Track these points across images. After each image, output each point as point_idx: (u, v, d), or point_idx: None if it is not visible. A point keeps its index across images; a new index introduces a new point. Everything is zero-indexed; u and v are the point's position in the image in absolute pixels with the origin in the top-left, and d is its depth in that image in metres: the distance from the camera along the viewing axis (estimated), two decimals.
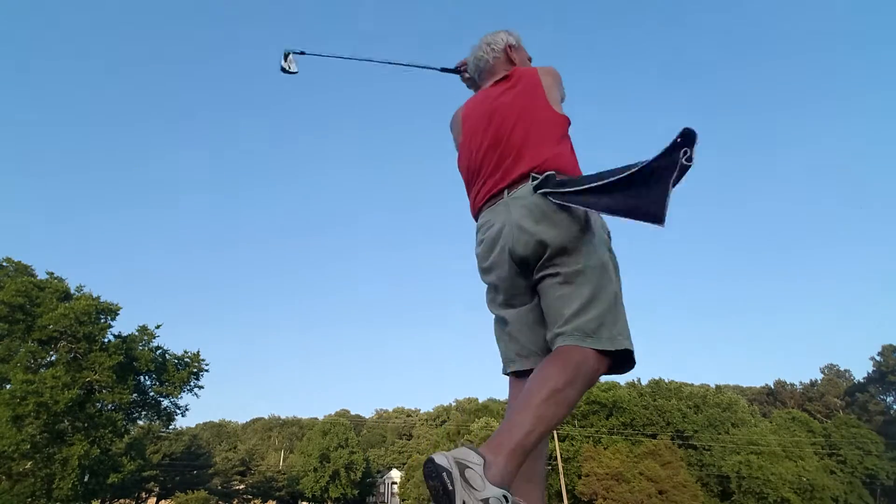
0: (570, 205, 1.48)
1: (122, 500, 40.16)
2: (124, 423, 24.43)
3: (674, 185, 1.30)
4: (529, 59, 2.09)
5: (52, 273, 23.90)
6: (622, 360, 1.47)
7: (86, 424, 21.96)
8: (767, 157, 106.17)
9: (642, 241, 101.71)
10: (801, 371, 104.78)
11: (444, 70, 2.28)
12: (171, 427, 34.63)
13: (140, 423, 28.95)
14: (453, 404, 67.29)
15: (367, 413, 79.46)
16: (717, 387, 47.57)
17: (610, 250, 1.58)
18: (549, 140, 1.66)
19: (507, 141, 1.69)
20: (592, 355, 1.40)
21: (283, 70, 2.31)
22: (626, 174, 1.38)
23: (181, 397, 26.63)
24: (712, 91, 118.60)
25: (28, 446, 19.59)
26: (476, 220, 1.77)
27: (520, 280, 1.61)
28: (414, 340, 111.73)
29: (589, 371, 1.39)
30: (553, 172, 1.56)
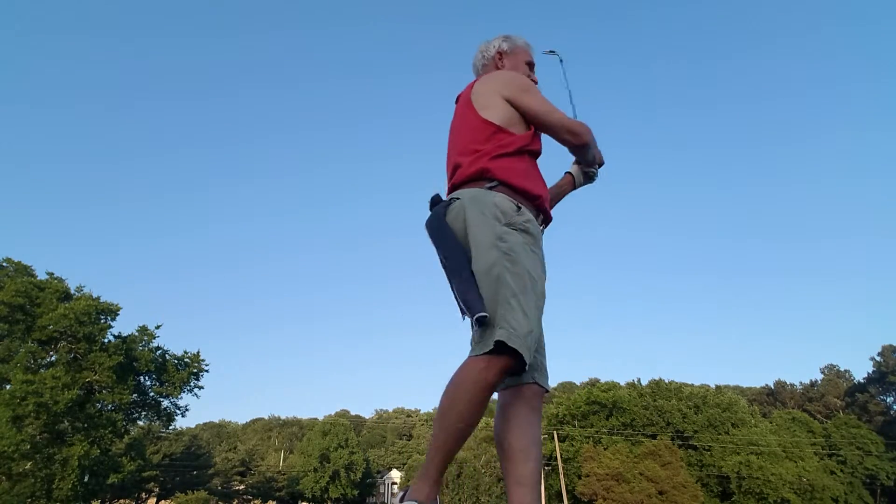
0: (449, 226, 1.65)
1: (121, 501, 40.18)
2: (124, 423, 24.42)
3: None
4: (530, 65, 2.07)
5: (52, 273, 23.92)
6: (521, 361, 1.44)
7: (86, 425, 21.96)
8: (767, 156, 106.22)
9: (642, 240, 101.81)
10: (801, 371, 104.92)
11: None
12: (170, 427, 34.66)
13: (140, 423, 28.95)
14: None
15: (367, 413, 79.57)
16: (717, 387, 47.56)
17: (505, 251, 1.53)
18: (468, 150, 1.74)
19: (448, 153, 1.87)
20: (473, 363, 1.44)
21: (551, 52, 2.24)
22: (461, 270, 1.54)
23: (181, 398, 26.65)
24: (711, 88, 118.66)
25: (28, 446, 19.59)
26: None
27: None
28: (414, 340, 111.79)
29: (471, 380, 1.41)
30: (436, 195, 1.76)
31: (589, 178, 2.10)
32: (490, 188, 1.65)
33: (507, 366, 1.43)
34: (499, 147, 1.71)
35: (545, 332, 1.72)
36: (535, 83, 2.00)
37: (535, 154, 1.83)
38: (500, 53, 2.05)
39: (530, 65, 2.07)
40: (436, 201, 1.75)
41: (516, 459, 1.52)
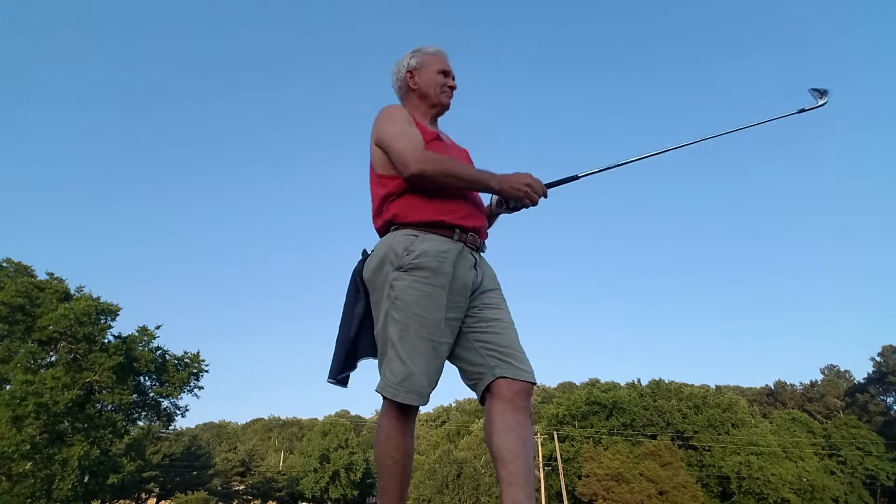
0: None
1: (121, 501, 40.13)
2: (124, 423, 24.40)
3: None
4: (444, 73, 2.02)
5: (52, 273, 23.89)
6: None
7: (86, 425, 21.95)
8: (766, 156, 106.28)
9: (642, 240, 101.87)
10: (802, 371, 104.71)
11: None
12: (170, 428, 34.62)
13: (140, 423, 28.92)
14: (453, 405, 67.24)
15: (368, 413, 79.47)
16: (718, 387, 47.60)
17: (392, 299, 1.67)
18: (373, 204, 1.89)
19: None
20: (384, 404, 1.68)
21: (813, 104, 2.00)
22: (340, 330, 1.81)
23: (181, 398, 26.57)
24: (709, 87, 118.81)
25: (28, 447, 19.57)
26: None
27: None
28: None
29: (379, 425, 1.69)
30: (364, 250, 1.89)
31: (506, 205, 1.99)
32: (394, 230, 1.78)
33: (398, 409, 1.65)
34: (389, 192, 1.80)
35: (520, 325, 1.82)
36: (453, 87, 2.04)
37: (431, 192, 1.80)
38: (410, 72, 2.03)
39: (445, 73, 2.03)
40: (364, 257, 1.88)
41: (503, 459, 1.56)
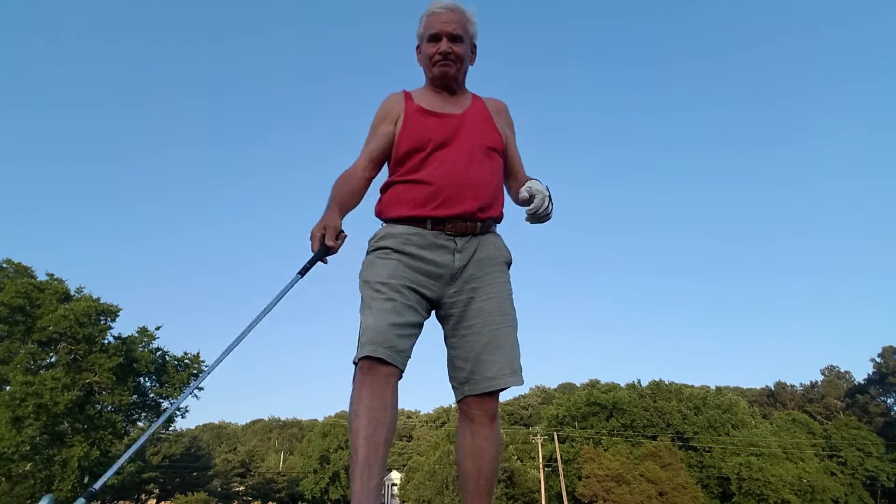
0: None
1: (121, 502, 40.12)
2: (124, 424, 24.40)
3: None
4: (434, 38, 1.83)
5: (52, 274, 23.88)
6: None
7: (85, 426, 21.94)
8: (765, 155, 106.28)
9: (642, 241, 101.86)
10: (802, 372, 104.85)
11: None
12: (170, 428, 34.62)
13: (140, 424, 28.91)
14: (453, 406, 67.14)
15: None
16: (718, 388, 47.54)
17: (364, 279, 1.70)
18: None
19: None
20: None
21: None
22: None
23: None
24: (711, 90, 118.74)
25: (28, 448, 19.56)
26: None
27: None
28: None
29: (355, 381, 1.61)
30: None
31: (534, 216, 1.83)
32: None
33: (362, 367, 1.55)
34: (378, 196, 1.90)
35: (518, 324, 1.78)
36: (443, 53, 1.81)
37: (409, 179, 1.78)
38: (418, 47, 1.93)
39: (434, 38, 1.82)
40: None
41: (460, 470, 1.70)
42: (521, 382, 1.67)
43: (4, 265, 24.15)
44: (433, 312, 1.78)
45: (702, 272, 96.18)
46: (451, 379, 1.74)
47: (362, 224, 1.89)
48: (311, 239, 1.64)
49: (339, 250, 1.69)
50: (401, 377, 1.60)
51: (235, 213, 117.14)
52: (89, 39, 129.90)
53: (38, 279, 23.53)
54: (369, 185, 1.88)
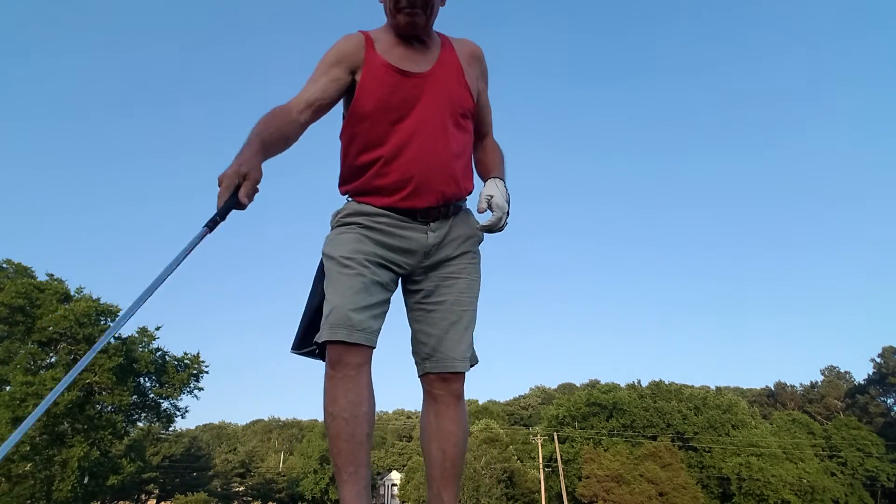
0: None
1: (121, 503, 40.15)
2: (124, 424, 24.42)
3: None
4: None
5: (52, 275, 23.94)
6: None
7: (85, 426, 21.95)
8: (766, 158, 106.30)
9: (642, 241, 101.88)
10: (802, 373, 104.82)
11: None
12: (170, 429, 34.70)
13: (140, 424, 28.97)
14: None
15: None
16: (718, 388, 47.60)
17: (329, 255, 1.57)
18: None
19: None
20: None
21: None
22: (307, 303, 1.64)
23: (181, 399, 26.66)
24: (711, 91, 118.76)
25: (27, 448, 19.59)
26: None
27: None
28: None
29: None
30: None
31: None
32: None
33: (331, 354, 1.45)
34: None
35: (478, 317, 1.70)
36: (403, 5, 1.55)
37: (374, 158, 1.59)
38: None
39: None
40: None
41: (424, 455, 1.64)
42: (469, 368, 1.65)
43: (4, 265, 24.17)
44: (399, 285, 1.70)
45: (702, 272, 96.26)
46: (414, 354, 1.67)
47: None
48: (219, 184, 1.27)
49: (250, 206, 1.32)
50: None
51: (235, 212, 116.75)
52: (89, 40, 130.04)
53: (39, 279, 23.56)
54: (303, 132, 1.61)
